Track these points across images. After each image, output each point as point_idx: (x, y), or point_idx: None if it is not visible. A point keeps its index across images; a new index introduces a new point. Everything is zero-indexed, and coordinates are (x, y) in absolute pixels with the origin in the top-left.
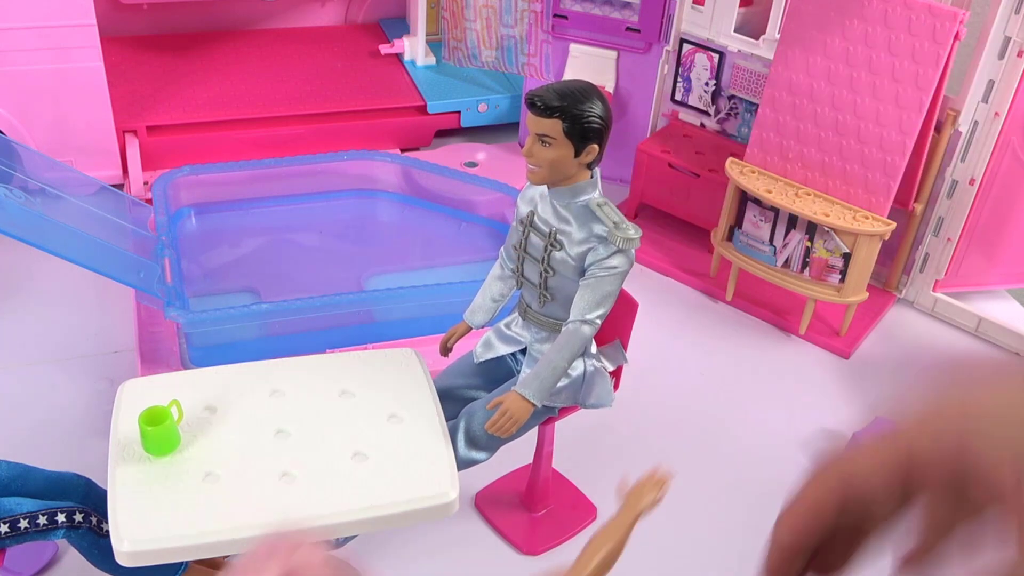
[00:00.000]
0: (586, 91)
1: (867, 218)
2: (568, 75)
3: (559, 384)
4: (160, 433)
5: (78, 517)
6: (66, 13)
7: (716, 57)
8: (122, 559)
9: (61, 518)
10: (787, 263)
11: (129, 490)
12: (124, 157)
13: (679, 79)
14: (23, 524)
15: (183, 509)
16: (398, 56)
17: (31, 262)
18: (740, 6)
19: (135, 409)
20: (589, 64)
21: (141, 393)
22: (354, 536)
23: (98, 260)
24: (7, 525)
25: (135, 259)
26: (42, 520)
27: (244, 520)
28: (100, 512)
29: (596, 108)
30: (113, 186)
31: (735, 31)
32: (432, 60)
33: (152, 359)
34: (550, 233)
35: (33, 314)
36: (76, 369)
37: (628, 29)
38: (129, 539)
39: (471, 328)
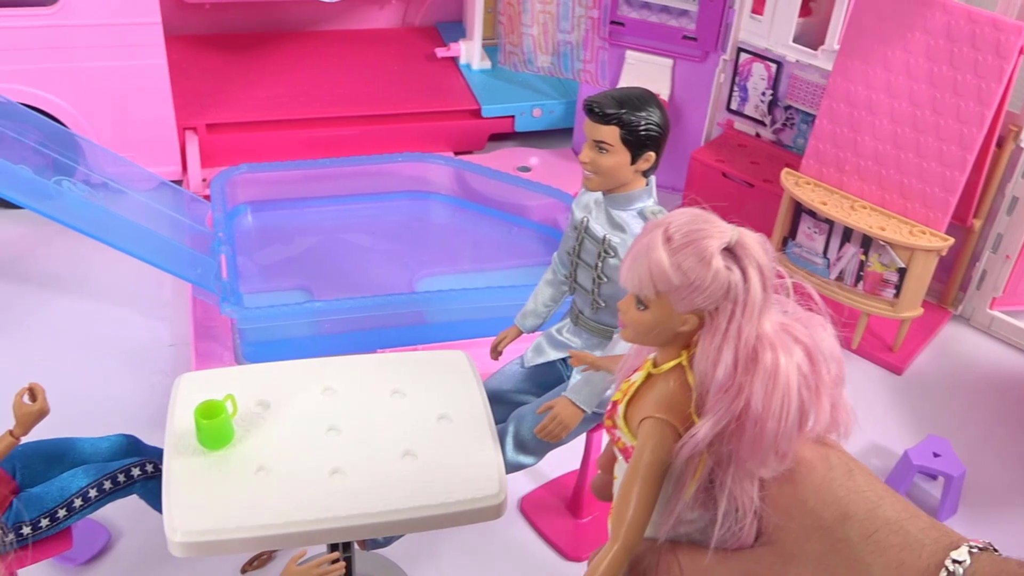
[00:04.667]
0: (644, 98)
1: (924, 233)
2: (623, 82)
3: (609, 391)
4: (215, 427)
5: (149, 468)
6: (132, 11)
7: (773, 67)
8: (174, 549)
9: (136, 472)
10: (841, 276)
11: (183, 482)
12: (184, 154)
13: (735, 88)
14: (78, 503)
15: (235, 502)
16: (454, 60)
17: (92, 255)
18: (799, 16)
19: (191, 402)
20: (645, 71)
21: (197, 387)
22: (401, 536)
23: (157, 254)
24: (64, 508)
25: (193, 254)
26: (108, 484)
27: (295, 515)
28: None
29: (654, 116)
30: (172, 182)
31: (793, 41)
32: (488, 64)
33: (206, 354)
34: (604, 240)
35: (92, 306)
36: (132, 362)
37: (685, 37)
38: (182, 530)
39: (522, 332)
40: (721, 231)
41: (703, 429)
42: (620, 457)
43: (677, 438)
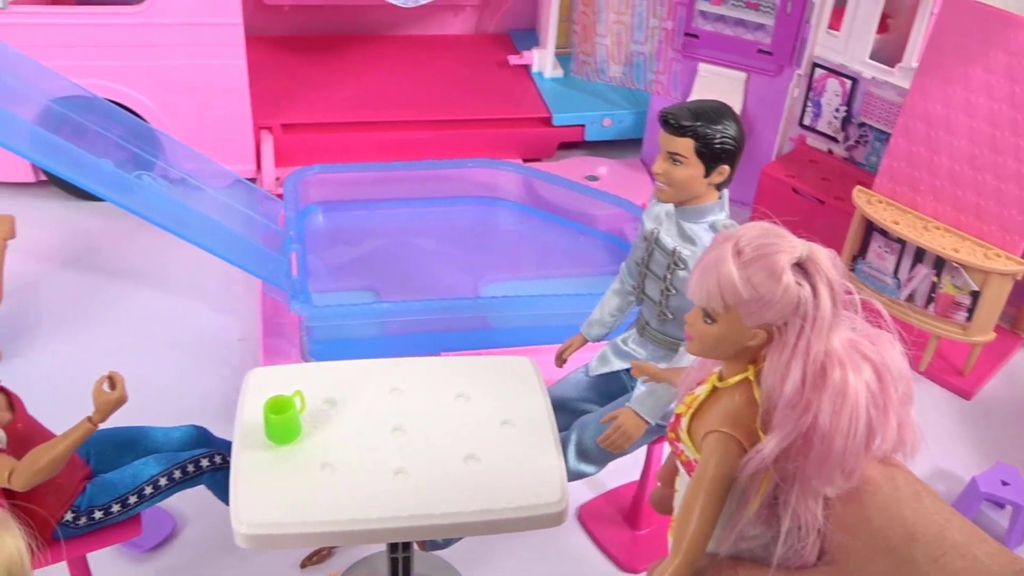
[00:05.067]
0: (720, 111)
1: (999, 256)
2: (695, 94)
3: (673, 404)
4: (283, 422)
5: (218, 459)
6: (214, 12)
7: (848, 83)
8: (240, 541)
9: (205, 463)
10: (911, 297)
11: (251, 475)
12: (259, 152)
13: (808, 104)
14: (148, 490)
15: (300, 498)
16: (526, 67)
17: (168, 248)
18: (876, 32)
19: (260, 397)
20: (717, 84)
21: (266, 382)
22: (460, 538)
23: (231, 250)
24: (135, 495)
25: (265, 251)
26: (177, 474)
27: (358, 513)
28: (227, 452)
29: (729, 129)
30: (246, 179)
31: (870, 57)
32: (560, 73)
33: (274, 350)
34: (674, 251)
35: (166, 299)
36: (202, 354)
37: (760, 51)
38: (248, 522)
39: (587, 341)
40: (792, 246)
41: (769, 445)
42: (682, 470)
43: (742, 453)
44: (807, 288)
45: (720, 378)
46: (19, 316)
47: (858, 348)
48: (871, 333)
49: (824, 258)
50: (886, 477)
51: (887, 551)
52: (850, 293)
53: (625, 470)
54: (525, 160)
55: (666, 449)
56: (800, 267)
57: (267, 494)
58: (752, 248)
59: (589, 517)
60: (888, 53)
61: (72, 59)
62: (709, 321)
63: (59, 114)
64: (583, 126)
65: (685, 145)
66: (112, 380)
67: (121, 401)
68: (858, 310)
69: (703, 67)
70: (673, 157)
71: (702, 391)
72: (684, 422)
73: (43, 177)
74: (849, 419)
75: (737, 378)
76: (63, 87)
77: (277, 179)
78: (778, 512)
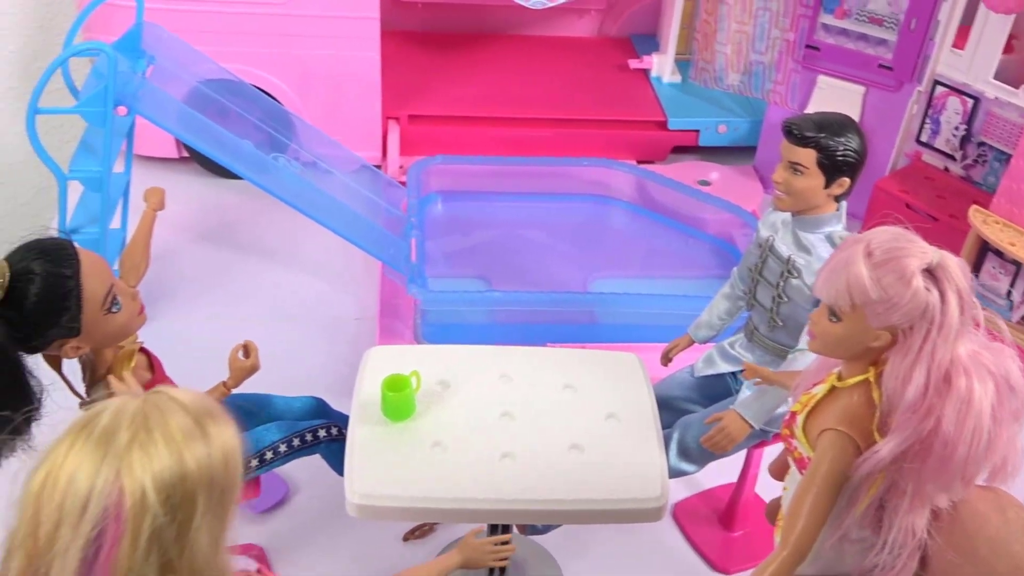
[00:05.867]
0: (844, 124)
1: None
2: (813, 106)
3: (779, 410)
4: (400, 400)
5: (334, 431)
6: (353, 6)
7: (970, 102)
8: (352, 510)
9: (322, 433)
10: (1023, 319)
11: (366, 448)
12: (385, 140)
13: (927, 120)
14: (269, 455)
15: (411, 473)
16: (645, 71)
17: (297, 227)
18: (1002, 53)
19: (378, 374)
20: (835, 97)
21: (384, 360)
22: (558, 525)
23: (356, 232)
24: (256, 459)
25: (387, 236)
26: (296, 442)
27: (465, 492)
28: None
29: (852, 142)
30: (372, 166)
31: (994, 77)
32: (678, 78)
33: (389, 330)
34: (789, 260)
35: (291, 275)
36: (320, 330)
37: (880, 66)
38: (360, 493)
39: (694, 342)
40: (923, 251)
41: (887, 447)
42: (793, 468)
43: (857, 453)
44: (935, 294)
45: (839, 378)
46: (159, 283)
47: (980, 359)
48: (992, 346)
49: (955, 266)
50: (996, 509)
51: None
52: (976, 307)
53: (723, 471)
54: (639, 162)
55: (766, 454)
56: (930, 273)
57: (380, 468)
58: (883, 251)
59: (684, 515)
60: (1013, 73)
61: (218, 44)
62: (834, 320)
63: (205, 95)
64: (698, 131)
65: (807, 156)
66: (247, 349)
67: (254, 369)
68: (980, 324)
69: (822, 79)
70: (794, 167)
71: (820, 390)
72: (800, 419)
73: (185, 154)
74: (974, 428)
75: (857, 379)
76: (211, 70)
77: (401, 167)
78: (883, 518)
